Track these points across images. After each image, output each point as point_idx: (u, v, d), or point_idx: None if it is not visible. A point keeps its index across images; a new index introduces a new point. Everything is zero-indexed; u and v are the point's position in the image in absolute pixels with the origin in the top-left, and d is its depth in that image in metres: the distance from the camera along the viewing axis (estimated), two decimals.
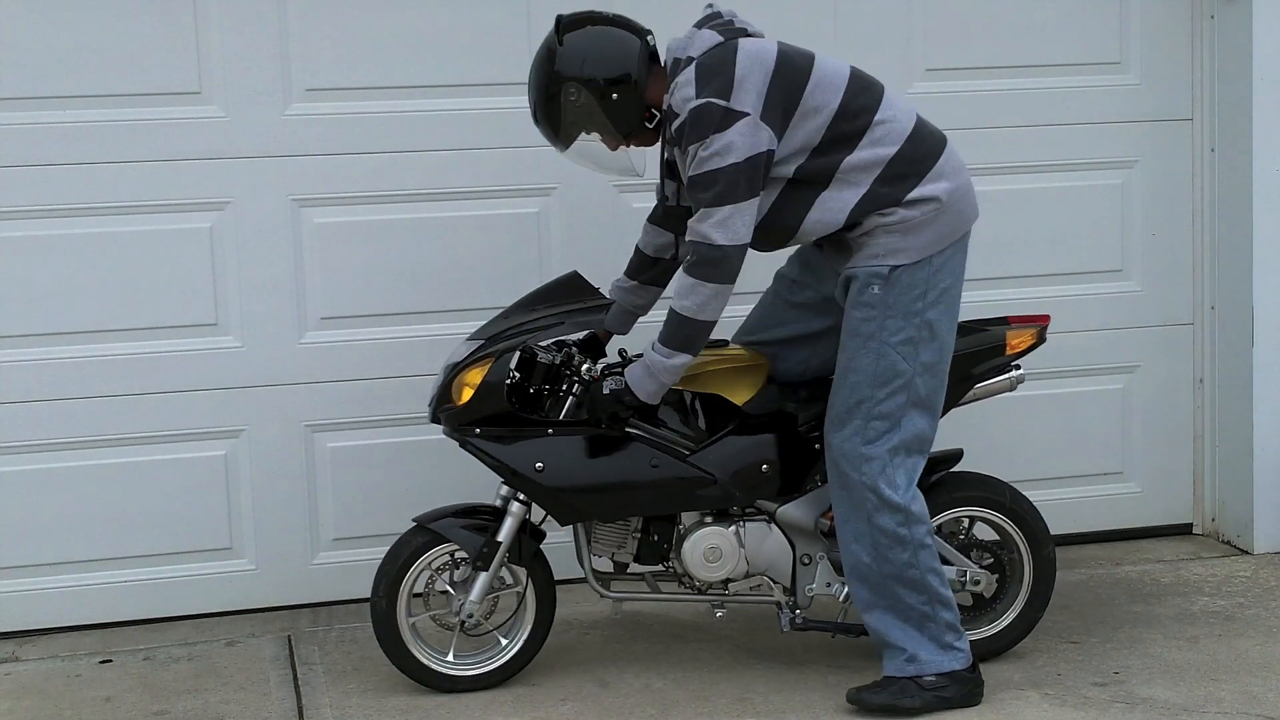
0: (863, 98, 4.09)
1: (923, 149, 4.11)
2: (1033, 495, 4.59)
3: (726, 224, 3.96)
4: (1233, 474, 5.54)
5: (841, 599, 4.36)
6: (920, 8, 5.30)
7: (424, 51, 4.99)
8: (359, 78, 4.96)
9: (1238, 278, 5.42)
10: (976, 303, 5.23)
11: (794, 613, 4.39)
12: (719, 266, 3.98)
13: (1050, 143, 5.41)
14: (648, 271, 4.47)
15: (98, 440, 4.91)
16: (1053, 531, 4.56)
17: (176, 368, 4.94)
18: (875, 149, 4.06)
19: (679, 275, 4.10)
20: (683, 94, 3.98)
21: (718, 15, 4.16)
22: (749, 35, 4.10)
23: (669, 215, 4.39)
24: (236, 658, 4.75)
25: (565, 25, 4.16)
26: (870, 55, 5.22)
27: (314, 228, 4.99)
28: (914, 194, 4.07)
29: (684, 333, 4.06)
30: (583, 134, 4.17)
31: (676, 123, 4.00)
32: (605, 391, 4.17)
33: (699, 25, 4.14)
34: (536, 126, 4.23)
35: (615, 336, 4.53)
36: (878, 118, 4.08)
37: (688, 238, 4.04)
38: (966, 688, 4.21)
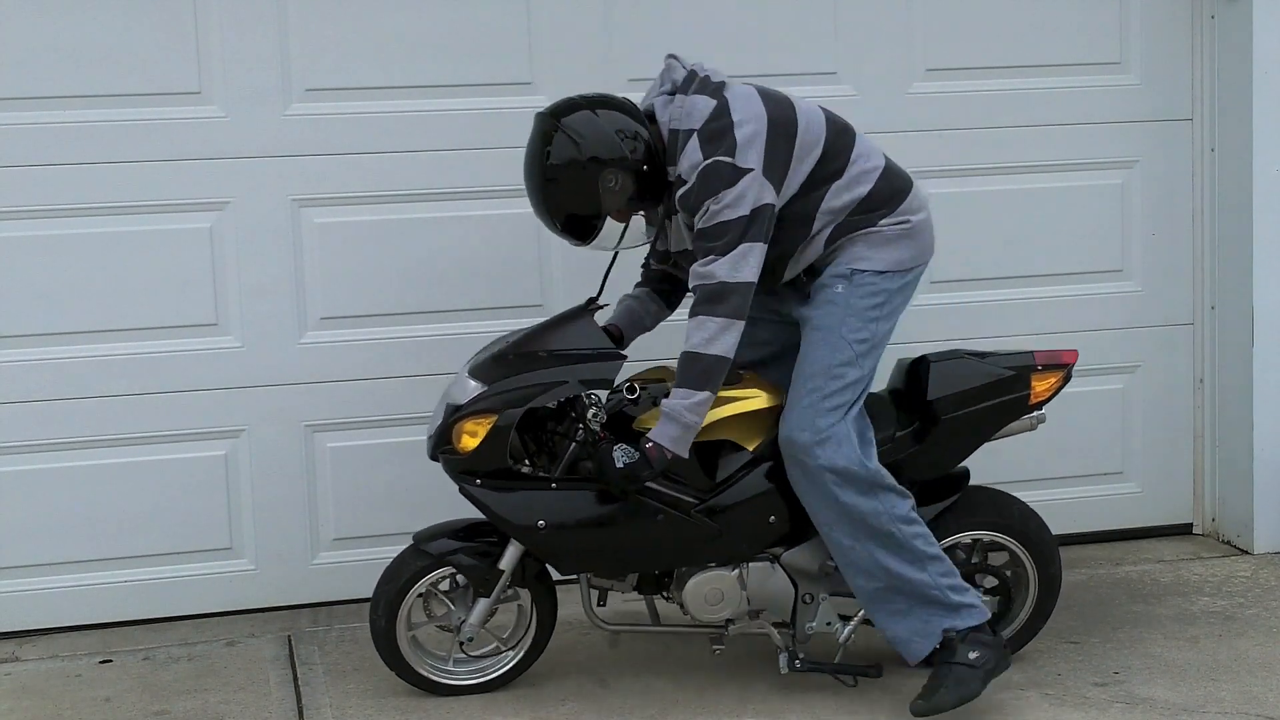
0: (841, 140, 4.19)
1: (893, 185, 4.22)
2: (1033, 495, 4.60)
3: (734, 263, 3.99)
4: (1233, 474, 5.53)
5: (841, 639, 4.32)
6: (920, 8, 5.29)
7: (424, 51, 4.99)
8: (359, 78, 4.96)
9: (1238, 278, 5.42)
10: (977, 303, 5.26)
11: (796, 658, 4.31)
12: (721, 301, 3.99)
13: (1050, 143, 5.41)
14: (656, 283, 4.45)
15: (98, 440, 4.91)
16: (1053, 531, 4.54)
17: (176, 368, 4.94)
18: (852, 189, 4.16)
19: (689, 320, 4.06)
20: (690, 160, 4.01)
21: (694, 75, 4.13)
22: (724, 85, 4.11)
23: (658, 256, 4.41)
24: (236, 658, 4.75)
25: (558, 114, 4.10)
26: (870, 55, 5.24)
27: (314, 228, 4.99)
28: (885, 220, 4.18)
29: (695, 370, 4.02)
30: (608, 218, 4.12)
31: (684, 189, 4.02)
32: (619, 465, 4.06)
33: (684, 89, 4.10)
34: (556, 230, 4.14)
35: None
36: (853, 156, 4.18)
37: (691, 282, 4.06)
38: (997, 653, 4.18)
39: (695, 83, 4.11)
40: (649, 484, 4.14)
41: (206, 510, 5.02)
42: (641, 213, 4.16)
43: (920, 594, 4.15)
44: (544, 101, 5.00)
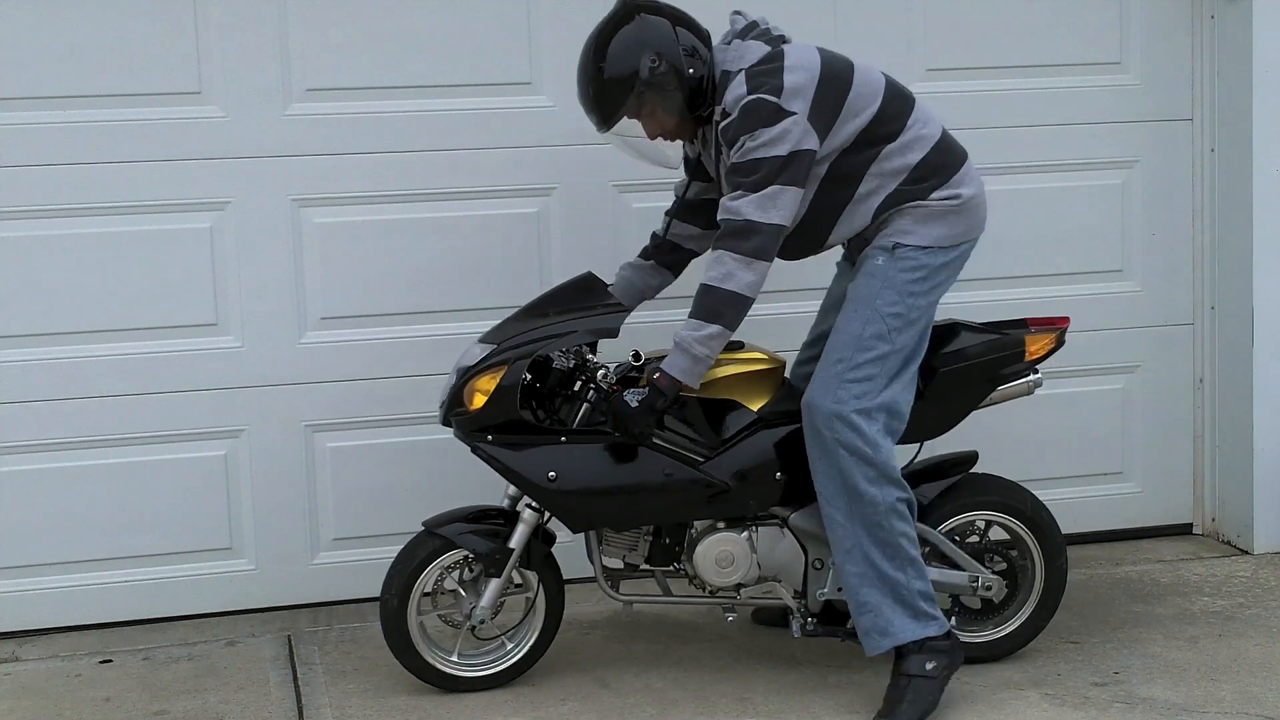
0: (897, 104, 4.20)
1: (947, 158, 4.23)
2: None
3: (762, 203, 3.99)
4: (1233, 474, 5.54)
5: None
6: (920, 8, 5.30)
7: (424, 51, 4.99)
8: (359, 78, 4.96)
9: (1238, 278, 5.42)
10: (977, 303, 5.24)
11: (806, 619, 4.37)
12: (745, 238, 3.99)
13: (1050, 143, 5.41)
14: (664, 255, 4.48)
15: (98, 440, 4.91)
16: None
17: (176, 368, 4.94)
18: (905, 155, 4.16)
19: (711, 254, 4.09)
20: (735, 94, 4.03)
21: (755, 25, 4.21)
22: (783, 38, 4.20)
23: (686, 209, 4.43)
24: (236, 658, 4.75)
25: (638, 6, 4.14)
26: (870, 55, 5.21)
27: (314, 228, 4.99)
28: (936, 194, 4.18)
29: (709, 302, 4.04)
30: (627, 116, 4.14)
31: (726, 121, 4.04)
32: (633, 405, 4.11)
33: (741, 36, 4.18)
34: (586, 99, 4.16)
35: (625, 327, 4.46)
36: (909, 122, 4.19)
37: (720, 215, 4.07)
38: (952, 656, 4.20)
39: (754, 31, 4.18)
40: (658, 439, 4.19)
41: (206, 510, 5.02)
42: (668, 142, 4.20)
43: (892, 592, 4.15)
44: (544, 101, 5.05)
